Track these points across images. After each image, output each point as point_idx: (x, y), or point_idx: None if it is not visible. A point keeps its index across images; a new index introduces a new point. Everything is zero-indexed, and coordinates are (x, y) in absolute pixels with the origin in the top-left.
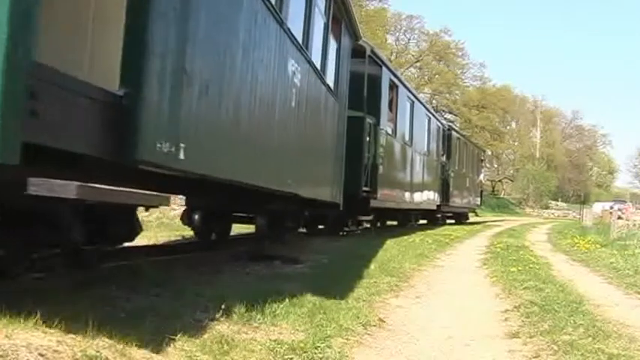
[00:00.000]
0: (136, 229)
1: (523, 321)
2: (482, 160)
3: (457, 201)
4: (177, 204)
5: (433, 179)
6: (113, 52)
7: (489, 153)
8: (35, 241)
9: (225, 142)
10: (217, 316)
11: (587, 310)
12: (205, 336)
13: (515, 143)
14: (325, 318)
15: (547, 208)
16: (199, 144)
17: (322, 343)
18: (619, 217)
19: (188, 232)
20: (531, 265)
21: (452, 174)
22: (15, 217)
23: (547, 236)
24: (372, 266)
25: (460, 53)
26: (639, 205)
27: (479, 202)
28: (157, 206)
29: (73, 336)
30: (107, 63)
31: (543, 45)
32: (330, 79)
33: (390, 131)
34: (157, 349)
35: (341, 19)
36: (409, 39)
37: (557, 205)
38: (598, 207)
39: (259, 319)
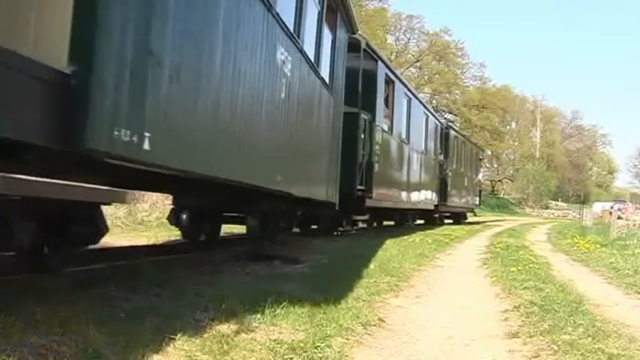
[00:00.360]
0: (100, 229)
1: (523, 321)
2: (480, 160)
3: (455, 201)
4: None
5: (431, 178)
6: (62, 25)
7: (489, 153)
8: None
9: (201, 134)
10: (217, 315)
11: (587, 309)
12: (205, 336)
13: (515, 143)
14: (325, 318)
15: (547, 208)
16: (169, 134)
17: (322, 342)
18: (619, 217)
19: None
20: (531, 265)
21: (450, 173)
22: None
23: (547, 236)
24: (372, 266)
25: (460, 53)
26: (638, 205)
27: (477, 202)
28: (109, 203)
29: (73, 336)
30: (55, 37)
31: (543, 45)
32: (324, 72)
33: (386, 128)
34: (157, 348)
35: (336, 9)
36: (409, 39)
37: (557, 205)
38: (598, 207)
39: (259, 319)
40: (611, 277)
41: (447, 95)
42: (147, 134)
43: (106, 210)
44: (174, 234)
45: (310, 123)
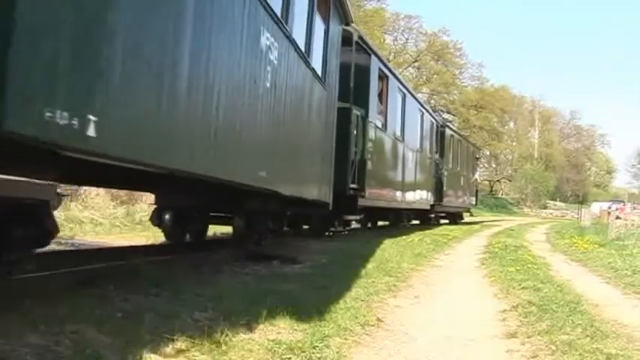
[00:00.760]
0: (50, 231)
1: (521, 321)
2: (477, 159)
3: (451, 200)
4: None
5: (426, 178)
6: None
7: (487, 153)
8: None
9: (165, 121)
10: (216, 315)
11: (586, 309)
12: (204, 336)
13: (514, 143)
14: (323, 318)
15: (545, 208)
16: (123, 120)
17: (320, 342)
18: (617, 217)
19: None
20: (529, 265)
21: (446, 172)
22: None
23: (545, 236)
24: (371, 266)
25: (458, 53)
26: (636, 205)
27: (474, 202)
28: (53, 204)
29: (72, 336)
30: None
31: (542, 45)
32: (316, 65)
33: (379, 125)
34: (156, 348)
35: None
36: (407, 39)
37: (555, 205)
38: (596, 207)
39: (258, 319)
40: (609, 277)
41: (446, 95)
42: (92, 118)
43: (106, 210)
44: None
45: (300, 116)
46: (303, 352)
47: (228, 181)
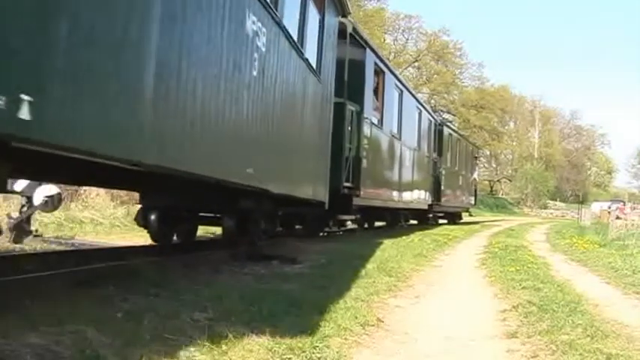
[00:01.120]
0: None
1: (521, 321)
2: (476, 158)
3: (450, 200)
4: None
5: (424, 177)
6: None
7: (487, 153)
8: None
9: (127, 107)
10: (216, 315)
11: (586, 309)
12: (204, 336)
13: (514, 143)
14: (323, 318)
15: (545, 208)
16: (69, 102)
17: (320, 342)
18: (617, 217)
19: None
20: (530, 265)
21: (444, 172)
22: None
23: (545, 236)
24: (371, 266)
25: (458, 53)
26: (636, 205)
27: (473, 202)
28: None
29: (72, 336)
30: None
31: (542, 45)
32: (311, 56)
33: (375, 122)
34: (155, 348)
35: None
36: (407, 39)
37: (555, 205)
38: (596, 207)
39: (258, 319)
40: (609, 277)
41: (446, 95)
42: (25, 98)
43: (106, 210)
44: None
45: (292, 109)
46: (304, 352)
47: (208, 178)
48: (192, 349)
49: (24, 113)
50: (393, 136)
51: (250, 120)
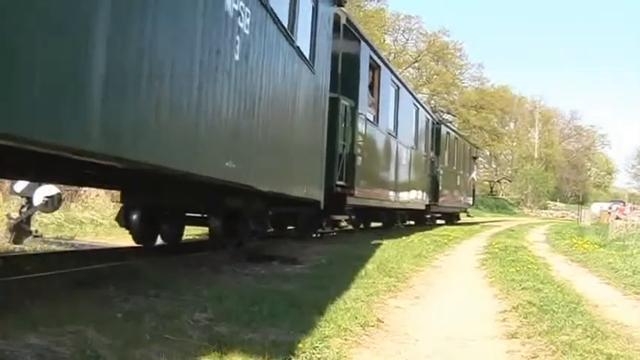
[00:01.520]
0: None
1: (521, 321)
2: (474, 158)
3: (447, 200)
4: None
5: (421, 176)
6: None
7: (487, 153)
8: None
9: (80, 89)
10: (216, 316)
11: (586, 310)
12: (204, 336)
13: (514, 144)
14: (323, 318)
15: (545, 208)
16: (11, 84)
17: (320, 343)
18: (617, 218)
19: (192, 232)
20: (530, 266)
21: (442, 171)
22: None
23: (545, 237)
24: (371, 267)
25: (458, 54)
26: (636, 205)
27: (471, 202)
28: None
29: (72, 336)
30: None
31: (542, 45)
32: (303, 45)
33: (371, 118)
34: (155, 349)
35: None
36: (407, 39)
37: (555, 206)
38: (596, 207)
39: (258, 319)
40: (609, 278)
41: (446, 96)
42: None
43: (106, 211)
44: None
45: (282, 101)
46: (304, 352)
47: (175, 171)
48: (192, 349)
49: None
50: (389, 133)
51: (230, 108)
